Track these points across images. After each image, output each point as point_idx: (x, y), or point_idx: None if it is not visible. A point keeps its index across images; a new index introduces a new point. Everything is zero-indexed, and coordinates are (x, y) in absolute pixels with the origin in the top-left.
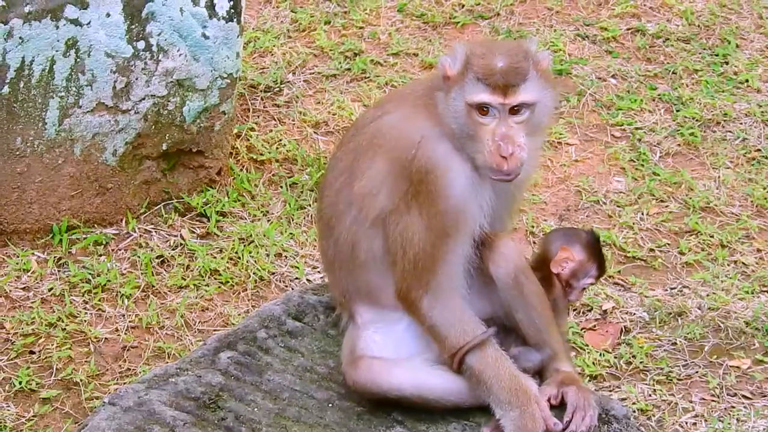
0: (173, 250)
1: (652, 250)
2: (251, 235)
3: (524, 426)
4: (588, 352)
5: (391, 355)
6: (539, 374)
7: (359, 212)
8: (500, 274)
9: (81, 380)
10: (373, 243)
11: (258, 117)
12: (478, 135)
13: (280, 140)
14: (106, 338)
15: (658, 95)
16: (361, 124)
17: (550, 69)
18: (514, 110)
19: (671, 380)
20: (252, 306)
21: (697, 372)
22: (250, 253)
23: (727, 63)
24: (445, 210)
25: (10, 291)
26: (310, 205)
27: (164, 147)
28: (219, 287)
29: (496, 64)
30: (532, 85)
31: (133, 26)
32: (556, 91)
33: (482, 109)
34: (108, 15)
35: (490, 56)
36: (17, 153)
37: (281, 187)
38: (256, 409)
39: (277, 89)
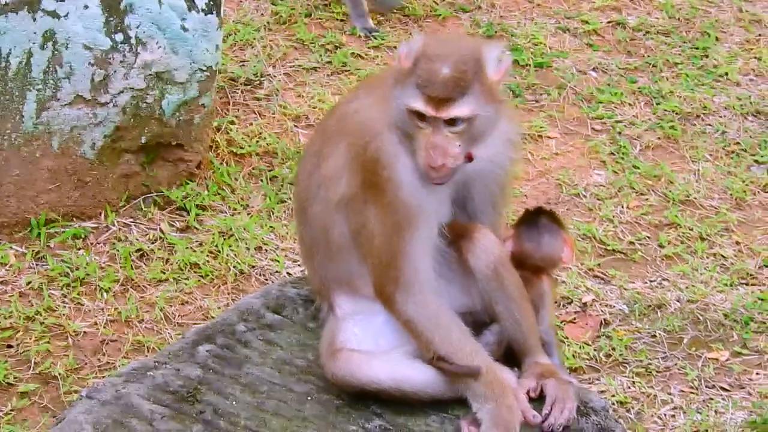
0: (152, 243)
1: (631, 243)
2: (231, 229)
3: (501, 417)
4: (568, 345)
5: (371, 347)
6: (518, 366)
7: (327, 194)
8: (480, 266)
9: (59, 374)
10: (344, 228)
11: (238, 110)
12: (416, 137)
13: (261, 133)
14: (84, 332)
15: (639, 88)
16: (333, 108)
17: (503, 79)
18: (451, 121)
19: (650, 372)
20: (232, 299)
21: (676, 364)
22: (230, 246)
23: (707, 56)
24: (395, 203)
25: None
26: (290, 199)
27: (143, 140)
28: (199, 281)
29: (438, 73)
30: (470, 100)
31: (111, 18)
32: (500, 105)
33: (420, 115)
34: (86, 7)
35: (437, 62)
36: None
37: (261, 180)
38: (234, 402)
39: (258, 82)
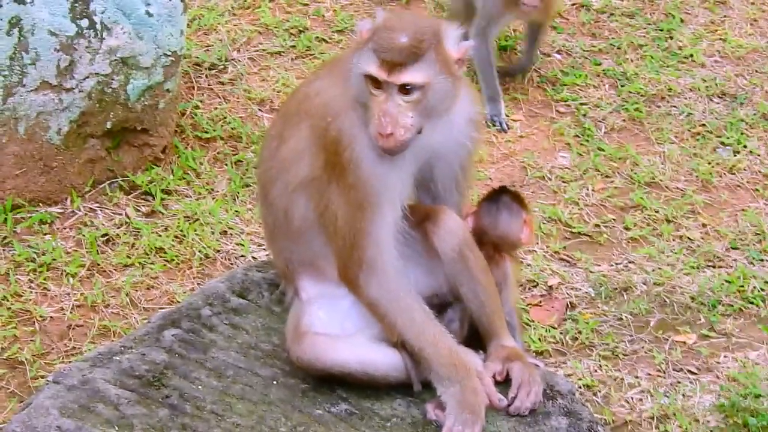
0: (118, 228)
1: (597, 225)
2: (196, 213)
3: (465, 400)
4: (534, 328)
5: (336, 331)
6: (484, 350)
7: (288, 176)
8: (445, 249)
9: (26, 359)
10: (305, 210)
11: (203, 95)
12: (370, 106)
13: (225, 118)
14: (51, 317)
15: (603, 70)
16: (295, 90)
17: (461, 59)
18: (405, 90)
19: (617, 356)
20: (198, 284)
21: (642, 347)
22: (195, 230)
23: (671, 38)
24: (356, 183)
25: None
26: (255, 183)
27: (108, 125)
28: (164, 265)
29: (394, 39)
30: (424, 67)
31: (76, 4)
32: (457, 81)
33: (374, 81)
34: None
35: (395, 31)
36: None
37: (226, 164)
38: (200, 387)
39: (222, 67)
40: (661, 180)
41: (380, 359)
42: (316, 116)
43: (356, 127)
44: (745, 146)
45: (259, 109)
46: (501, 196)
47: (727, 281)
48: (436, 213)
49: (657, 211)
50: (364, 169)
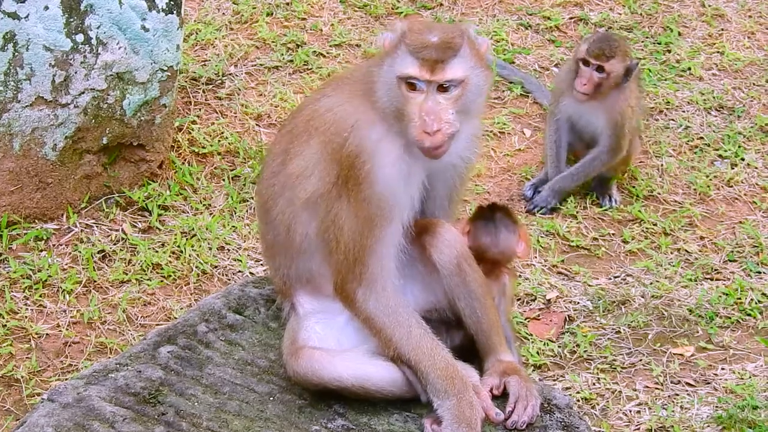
0: (115, 244)
1: (595, 239)
2: (193, 229)
3: (461, 414)
4: (532, 342)
5: (333, 346)
6: (480, 365)
7: (293, 192)
8: (443, 261)
9: (22, 377)
10: (308, 227)
11: (200, 110)
12: (407, 110)
13: (222, 133)
14: (47, 334)
15: None
16: (300, 108)
17: (487, 53)
18: (443, 88)
19: (615, 369)
20: (195, 300)
21: (640, 360)
22: (192, 246)
23: (669, 51)
24: (371, 197)
25: None
26: (252, 198)
27: (104, 141)
28: (161, 281)
29: (429, 39)
30: (462, 62)
31: (71, 19)
32: (488, 72)
33: (410, 84)
34: (46, 8)
35: (426, 32)
36: None
37: (223, 180)
38: (196, 404)
39: (219, 82)
40: (659, 193)
41: (376, 374)
42: (328, 132)
43: (374, 142)
44: (742, 159)
45: (257, 124)
46: (494, 213)
47: (724, 293)
48: (433, 226)
49: (655, 224)
50: (380, 184)
